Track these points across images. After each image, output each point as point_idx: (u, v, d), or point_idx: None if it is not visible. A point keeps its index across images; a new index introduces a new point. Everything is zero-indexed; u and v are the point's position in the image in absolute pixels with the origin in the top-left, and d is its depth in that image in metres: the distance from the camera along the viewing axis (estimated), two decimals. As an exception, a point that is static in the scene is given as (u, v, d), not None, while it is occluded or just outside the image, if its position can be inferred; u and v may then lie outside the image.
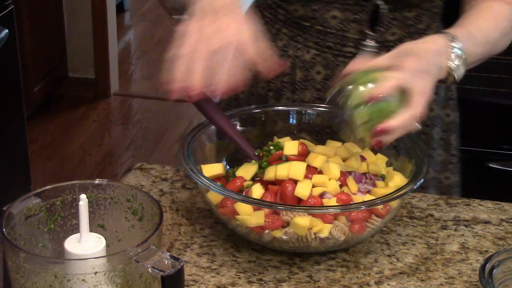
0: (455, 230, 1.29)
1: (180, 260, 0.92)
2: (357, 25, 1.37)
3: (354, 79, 1.15)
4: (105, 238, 0.98)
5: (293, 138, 1.31)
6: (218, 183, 1.19)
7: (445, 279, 1.18)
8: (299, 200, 1.17)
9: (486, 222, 1.31)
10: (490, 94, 2.55)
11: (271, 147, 1.27)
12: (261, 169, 1.23)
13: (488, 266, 1.10)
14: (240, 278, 1.17)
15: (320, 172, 1.21)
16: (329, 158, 1.24)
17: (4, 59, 2.78)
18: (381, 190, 1.21)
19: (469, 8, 1.34)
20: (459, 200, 1.37)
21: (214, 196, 1.19)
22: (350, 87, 1.15)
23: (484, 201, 1.37)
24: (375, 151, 1.30)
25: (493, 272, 1.09)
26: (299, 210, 1.15)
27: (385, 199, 1.15)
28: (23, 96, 2.97)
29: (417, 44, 1.22)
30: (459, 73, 1.23)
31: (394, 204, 1.20)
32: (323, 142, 1.31)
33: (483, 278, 1.08)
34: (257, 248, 1.22)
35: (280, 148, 1.26)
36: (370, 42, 1.38)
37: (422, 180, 1.19)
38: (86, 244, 0.96)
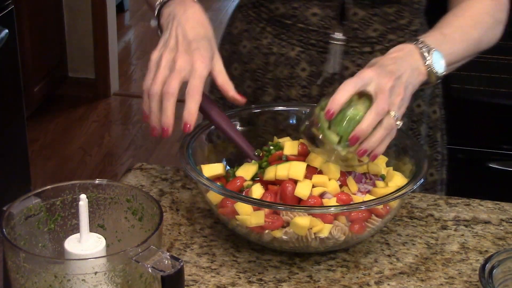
0: (455, 230, 1.29)
1: (180, 260, 0.92)
2: (338, 22, 1.38)
3: (319, 107, 1.18)
4: (105, 238, 0.98)
5: (293, 138, 1.31)
6: (218, 183, 1.19)
7: (445, 279, 1.18)
8: (299, 200, 1.17)
9: (486, 222, 1.31)
10: (490, 94, 2.55)
11: (271, 147, 1.27)
12: (261, 169, 1.23)
13: (488, 266, 1.10)
14: (240, 278, 1.17)
15: (320, 172, 1.21)
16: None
17: (4, 59, 2.78)
18: (381, 190, 1.21)
19: (452, 6, 1.36)
20: (459, 200, 1.37)
21: (214, 196, 1.19)
22: (316, 113, 1.18)
23: (484, 201, 1.37)
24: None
25: (493, 272, 1.09)
26: (299, 210, 1.15)
27: (385, 199, 1.15)
28: (23, 96, 2.97)
29: (382, 57, 1.23)
30: (439, 69, 1.24)
31: (394, 204, 1.20)
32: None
33: (483, 278, 1.08)
34: (257, 248, 1.22)
35: (280, 148, 1.26)
36: (338, 35, 1.38)
37: (422, 180, 1.19)
38: (86, 244, 0.96)
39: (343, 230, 1.16)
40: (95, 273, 0.91)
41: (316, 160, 1.21)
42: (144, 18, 5.06)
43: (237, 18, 1.48)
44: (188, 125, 1.16)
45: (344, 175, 1.22)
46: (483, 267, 1.10)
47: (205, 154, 1.30)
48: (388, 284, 1.16)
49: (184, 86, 1.18)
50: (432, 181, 1.55)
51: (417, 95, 1.42)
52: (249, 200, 1.15)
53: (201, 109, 1.23)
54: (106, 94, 4.10)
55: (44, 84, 3.74)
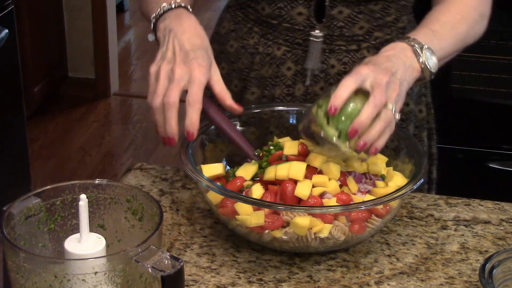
0: (455, 230, 1.29)
1: (180, 260, 0.92)
2: (316, 20, 1.39)
3: (316, 105, 1.19)
4: (105, 238, 0.98)
5: (293, 138, 1.31)
6: (218, 183, 1.19)
7: (445, 279, 1.18)
8: (299, 200, 1.17)
9: (486, 222, 1.31)
10: (490, 94, 2.55)
11: (271, 147, 1.27)
12: (261, 169, 1.23)
13: (488, 266, 1.10)
14: (240, 278, 1.17)
15: (320, 172, 1.21)
16: (329, 158, 1.24)
17: (4, 59, 2.78)
18: (381, 190, 1.21)
19: (436, 3, 1.37)
20: (459, 200, 1.37)
21: (214, 196, 1.19)
22: (313, 111, 1.18)
23: (484, 201, 1.37)
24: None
25: (493, 272, 1.09)
26: (299, 210, 1.15)
27: (385, 199, 1.15)
28: (23, 96, 2.97)
29: (375, 55, 1.25)
30: (432, 65, 1.25)
31: (394, 204, 1.20)
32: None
33: (483, 278, 1.08)
34: (257, 248, 1.22)
35: (280, 148, 1.26)
36: (317, 32, 1.38)
37: (422, 180, 1.19)
38: (86, 244, 0.96)
39: (343, 230, 1.16)
40: (95, 273, 0.91)
41: (316, 160, 1.21)
42: (143, 19, 5.05)
43: (225, 19, 1.49)
44: (191, 133, 1.19)
45: (344, 175, 1.22)
46: (483, 267, 1.10)
47: (205, 154, 1.30)
48: (388, 284, 1.16)
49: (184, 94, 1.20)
50: None
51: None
52: (249, 200, 1.15)
53: (202, 109, 1.23)
54: (106, 94, 4.10)
55: (44, 84, 3.74)
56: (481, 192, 1.61)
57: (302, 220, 1.13)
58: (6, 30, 2.73)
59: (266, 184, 1.20)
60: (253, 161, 1.25)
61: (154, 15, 1.30)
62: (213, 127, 1.30)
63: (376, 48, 1.40)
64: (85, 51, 4.03)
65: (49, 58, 3.81)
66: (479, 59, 2.49)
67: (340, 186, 1.20)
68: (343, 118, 1.16)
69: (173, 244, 1.23)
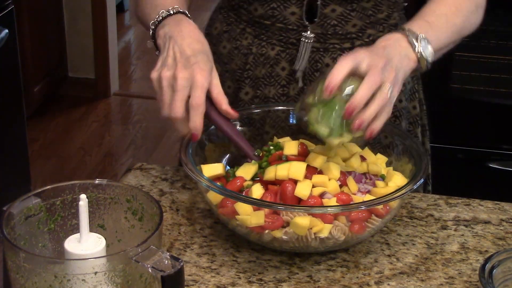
0: (455, 230, 1.29)
1: (180, 260, 0.92)
2: (307, 20, 1.39)
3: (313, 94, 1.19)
4: (105, 238, 0.98)
5: (293, 138, 1.31)
6: (218, 183, 1.19)
7: (445, 279, 1.18)
8: (299, 200, 1.17)
9: (486, 222, 1.31)
10: (490, 94, 2.55)
11: (271, 147, 1.27)
12: (261, 169, 1.23)
13: (488, 266, 1.10)
14: (240, 278, 1.17)
15: (320, 172, 1.21)
16: (329, 158, 1.24)
17: (4, 59, 2.78)
18: (381, 190, 1.21)
19: None
20: (459, 200, 1.37)
21: (214, 196, 1.19)
22: (309, 100, 1.19)
23: (484, 201, 1.37)
24: (375, 151, 1.30)
25: (493, 272, 1.09)
26: (299, 210, 1.15)
27: (385, 199, 1.15)
28: (23, 96, 2.97)
29: (371, 46, 1.25)
30: (427, 54, 1.25)
31: (394, 204, 1.20)
32: (323, 142, 1.31)
33: (483, 278, 1.08)
34: (257, 248, 1.22)
35: (280, 148, 1.26)
36: (307, 34, 1.39)
37: (422, 180, 1.19)
38: (86, 244, 0.96)
39: (343, 230, 1.16)
40: (95, 273, 0.91)
41: (316, 160, 1.21)
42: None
43: (217, 20, 1.49)
44: (196, 135, 1.21)
45: (344, 175, 1.22)
46: (483, 267, 1.10)
47: (205, 154, 1.30)
48: (388, 284, 1.16)
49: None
50: None
51: None
52: (249, 200, 1.15)
53: None
54: (106, 94, 4.10)
55: (44, 84, 3.74)
56: (481, 192, 1.61)
57: (302, 220, 1.13)
58: (6, 30, 2.73)
59: (266, 184, 1.20)
60: (253, 161, 1.25)
61: (152, 21, 1.30)
62: (213, 127, 1.30)
63: (370, 45, 1.41)
64: (85, 51, 4.03)
65: (49, 58, 3.81)
66: (479, 59, 2.49)
67: (340, 186, 1.20)
68: (333, 114, 1.16)
69: (173, 244, 1.23)
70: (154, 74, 1.23)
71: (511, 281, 1.11)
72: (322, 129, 1.17)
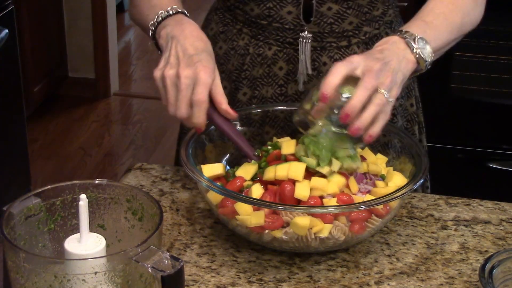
0: (455, 230, 1.29)
1: (180, 260, 0.92)
2: (304, 20, 1.39)
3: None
4: (105, 238, 0.98)
5: (293, 138, 1.31)
6: (218, 183, 1.19)
7: (445, 279, 1.18)
8: (299, 200, 1.17)
9: (486, 222, 1.31)
10: (490, 94, 2.55)
11: (269, 147, 1.27)
12: (260, 169, 1.23)
13: (488, 266, 1.10)
14: (240, 278, 1.17)
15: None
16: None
17: (4, 59, 2.78)
18: (381, 190, 1.21)
19: None
20: (459, 200, 1.37)
21: (214, 196, 1.19)
22: (306, 106, 1.19)
23: (484, 201, 1.37)
24: (375, 150, 1.30)
25: (493, 272, 1.09)
26: (299, 210, 1.15)
27: (385, 199, 1.15)
28: (23, 96, 2.97)
29: (368, 50, 1.25)
30: (426, 55, 1.24)
31: (394, 204, 1.20)
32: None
33: (483, 278, 1.08)
34: (257, 248, 1.22)
35: (278, 147, 1.26)
36: (305, 34, 1.39)
37: (422, 180, 1.19)
38: (86, 244, 0.96)
39: (343, 230, 1.16)
40: (95, 273, 0.91)
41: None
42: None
43: (212, 20, 1.49)
44: (199, 129, 1.24)
45: (346, 176, 1.21)
46: (483, 267, 1.10)
47: (205, 154, 1.30)
48: (388, 284, 1.16)
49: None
50: None
51: None
52: (249, 200, 1.15)
53: None
54: (106, 94, 4.10)
55: (44, 84, 3.74)
56: (481, 192, 1.61)
57: (302, 220, 1.13)
58: (6, 30, 2.73)
59: (265, 184, 1.20)
60: (253, 161, 1.25)
61: (152, 22, 1.30)
62: (213, 127, 1.30)
63: (366, 43, 1.42)
64: (85, 51, 4.03)
65: (49, 58, 3.81)
66: (479, 59, 2.49)
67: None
68: (320, 140, 1.18)
69: (173, 244, 1.23)
70: (157, 73, 1.23)
71: (511, 281, 1.11)
72: (310, 161, 1.19)
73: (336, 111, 1.17)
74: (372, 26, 1.42)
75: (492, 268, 1.10)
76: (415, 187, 1.17)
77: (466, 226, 1.30)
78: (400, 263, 1.21)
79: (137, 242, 0.94)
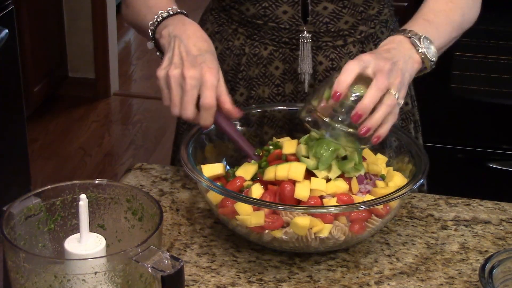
0: (455, 230, 1.29)
1: (180, 260, 0.92)
2: (301, 19, 1.39)
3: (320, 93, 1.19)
4: (105, 238, 0.98)
5: (292, 138, 1.31)
6: (218, 183, 1.19)
7: (445, 279, 1.18)
8: (299, 200, 1.17)
9: (486, 222, 1.31)
10: (490, 94, 2.55)
11: (271, 147, 1.27)
12: (261, 169, 1.23)
13: (488, 266, 1.10)
14: (240, 278, 1.17)
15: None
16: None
17: (4, 59, 2.78)
18: (381, 190, 1.21)
19: None
20: (459, 200, 1.37)
21: (214, 196, 1.19)
22: (314, 102, 1.19)
23: (484, 201, 1.37)
24: (375, 151, 1.30)
25: (493, 272, 1.09)
26: (299, 210, 1.15)
27: (385, 199, 1.15)
28: (23, 96, 2.97)
29: (374, 50, 1.25)
30: (431, 54, 1.25)
31: (394, 204, 1.20)
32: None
33: (483, 278, 1.08)
34: (257, 248, 1.22)
35: (279, 147, 1.26)
36: (304, 33, 1.39)
37: (422, 180, 1.19)
38: (86, 244, 0.96)
39: (343, 230, 1.16)
40: (95, 273, 0.91)
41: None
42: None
43: (207, 21, 1.49)
44: (206, 127, 1.24)
45: (348, 180, 1.21)
46: (483, 267, 1.10)
47: (205, 154, 1.30)
48: (388, 284, 1.16)
49: None
50: None
51: None
52: (249, 200, 1.15)
53: None
54: (106, 94, 4.10)
55: (44, 84, 3.74)
56: (481, 192, 1.61)
57: (302, 220, 1.13)
58: (6, 30, 2.73)
59: (265, 184, 1.20)
60: (253, 161, 1.25)
61: (151, 22, 1.30)
62: (213, 126, 1.30)
63: (361, 43, 1.42)
64: (85, 51, 4.03)
65: (49, 58, 3.81)
66: (479, 59, 2.49)
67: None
68: (324, 146, 1.18)
69: (173, 244, 1.23)
70: (161, 72, 1.22)
71: (511, 281, 1.11)
72: (310, 162, 1.19)
73: (343, 109, 1.17)
74: (367, 25, 1.42)
75: (492, 268, 1.10)
76: (415, 187, 1.17)
77: (466, 226, 1.30)
78: (400, 263, 1.21)
79: (137, 242, 0.94)
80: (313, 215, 1.14)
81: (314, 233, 1.15)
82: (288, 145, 1.25)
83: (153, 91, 4.14)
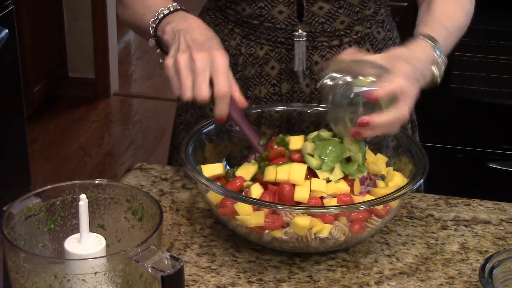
0: (455, 230, 1.29)
1: (180, 260, 0.92)
2: (297, 19, 1.39)
3: (347, 68, 1.19)
4: (105, 238, 0.98)
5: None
6: (218, 183, 1.19)
7: (445, 279, 1.18)
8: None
9: (486, 222, 1.31)
10: (490, 94, 2.55)
11: (282, 138, 1.26)
12: (260, 169, 1.22)
13: (488, 266, 1.10)
14: (240, 278, 1.17)
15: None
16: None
17: (4, 59, 2.78)
18: (381, 190, 1.21)
19: None
20: (459, 200, 1.37)
21: (214, 196, 1.19)
22: (348, 78, 1.18)
23: (484, 201, 1.37)
24: (375, 151, 1.30)
25: (493, 272, 1.09)
26: (299, 210, 1.15)
27: (385, 199, 1.15)
28: (23, 96, 2.97)
29: (407, 50, 1.25)
30: (440, 76, 1.27)
31: (394, 204, 1.20)
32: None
33: (483, 278, 1.08)
34: (257, 248, 1.22)
35: (286, 143, 1.25)
36: (299, 32, 1.39)
37: (422, 180, 1.19)
38: (86, 244, 0.96)
39: (343, 230, 1.16)
40: (95, 273, 0.91)
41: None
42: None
43: (204, 21, 1.48)
44: (222, 119, 1.21)
45: (350, 183, 1.21)
46: (483, 267, 1.10)
47: (205, 154, 1.30)
48: (388, 284, 1.16)
49: None
50: None
51: None
52: (249, 200, 1.15)
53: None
54: (106, 94, 4.10)
55: (44, 84, 3.74)
56: (481, 192, 1.61)
57: (302, 220, 1.13)
58: (6, 30, 2.73)
59: (265, 183, 1.20)
60: (253, 161, 1.25)
61: (152, 20, 1.30)
62: (213, 126, 1.29)
63: (358, 43, 1.42)
64: (85, 51, 4.03)
65: (49, 58, 3.81)
66: (479, 59, 2.49)
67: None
68: (330, 147, 1.19)
69: (173, 244, 1.23)
70: (169, 61, 1.20)
71: (511, 281, 1.11)
72: (314, 161, 1.19)
73: (352, 99, 1.17)
74: (363, 25, 1.42)
75: (492, 268, 1.10)
76: (415, 187, 1.17)
77: (466, 226, 1.30)
78: (400, 263, 1.21)
79: (137, 242, 0.94)
80: (313, 215, 1.14)
81: (314, 233, 1.15)
82: (295, 141, 1.24)
83: (153, 91, 4.14)
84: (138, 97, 4.13)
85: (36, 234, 1.02)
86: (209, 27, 1.28)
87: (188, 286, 1.14)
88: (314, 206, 1.16)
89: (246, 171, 1.23)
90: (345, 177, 1.20)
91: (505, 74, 2.52)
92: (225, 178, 1.25)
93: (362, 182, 1.23)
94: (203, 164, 1.25)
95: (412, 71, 1.19)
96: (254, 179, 1.23)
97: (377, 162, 1.28)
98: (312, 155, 1.20)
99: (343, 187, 1.18)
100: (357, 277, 1.17)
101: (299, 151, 1.23)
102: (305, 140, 1.24)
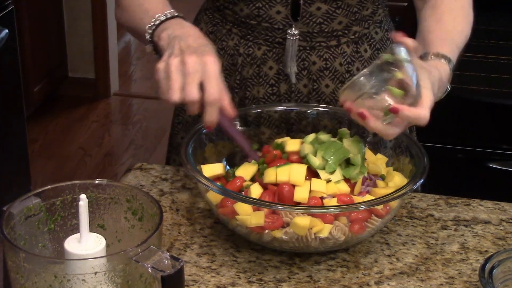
0: (455, 230, 1.29)
1: (180, 260, 0.92)
2: (292, 19, 1.39)
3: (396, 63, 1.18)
4: (105, 238, 0.98)
5: (292, 138, 1.31)
6: (218, 183, 1.19)
7: (445, 279, 1.18)
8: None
9: (486, 222, 1.31)
10: (490, 94, 2.55)
11: (275, 146, 1.26)
12: (259, 170, 1.22)
13: (488, 266, 1.10)
14: (240, 278, 1.17)
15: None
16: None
17: (4, 59, 2.78)
18: (381, 190, 1.21)
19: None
20: (459, 200, 1.37)
21: (214, 196, 1.19)
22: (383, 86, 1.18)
23: (484, 201, 1.37)
24: (375, 151, 1.30)
25: (493, 272, 1.09)
26: (299, 210, 1.15)
27: (385, 199, 1.15)
28: (23, 96, 2.97)
29: (438, 72, 1.27)
30: (443, 95, 1.32)
31: (394, 204, 1.20)
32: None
33: (483, 278, 1.08)
34: (257, 248, 1.22)
35: (282, 147, 1.25)
36: (292, 31, 1.39)
37: (422, 180, 1.19)
38: (86, 244, 0.96)
39: (343, 230, 1.16)
40: (95, 273, 0.91)
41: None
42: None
43: (202, 21, 1.49)
44: (211, 127, 1.19)
45: (350, 184, 1.21)
46: (483, 267, 1.10)
47: (205, 154, 1.30)
48: (388, 284, 1.16)
49: None
50: None
51: None
52: (249, 200, 1.15)
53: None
54: (106, 94, 4.10)
55: (44, 84, 3.74)
56: (481, 192, 1.61)
57: (302, 220, 1.13)
58: (6, 30, 2.73)
59: (265, 184, 1.20)
60: (253, 161, 1.25)
61: (149, 25, 1.29)
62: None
63: (355, 43, 1.42)
64: (85, 51, 4.03)
65: (49, 58, 3.81)
66: (479, 59, 2.49)
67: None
68: (333, 150, 1.20)
69: (173, 244, 1.23)
70: (161, 64, 1.18)
71: (511, 281, 1.11)
72: (316, 161, 1.19)
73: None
74: (361, 25, 1.43)
75: (492, 268, 1.10)
76: (415, 187, 1.17)
77: (466, 226, 1.30)
78: (400, 263, 1.21)
79: (137, 242, 0.94)
80: (313, 215, 1.14)
81: (314, 233, 1.15)
82: (291, 143, 1.25)
83: (153, 91, 4.14)
84: (138, 97, 4.13)
85: (36, 234, 1.02)
86: (204, 35, 1.27)
87: (188, 286, 1.14)
88: (314, 206, 1.16)
89: (246, 171, 1.23)
90: (347, 179, 1.20)
91: (505, 74, 2.52)
92: (225, 178, 1.25)
93: (362, 182, 1.23)
94: (203, 164, 1.25)
95: (433, 100, 1.21)
96: (254, 179, 1.23)
97: (377, 162, 1.28)
98: (314, 155, 1.20)
99: (343, 187, 1.18)
100: (357, 277, 1.17)
101: (296, 152, 1.23)
102: (302, 142, 1.24)
